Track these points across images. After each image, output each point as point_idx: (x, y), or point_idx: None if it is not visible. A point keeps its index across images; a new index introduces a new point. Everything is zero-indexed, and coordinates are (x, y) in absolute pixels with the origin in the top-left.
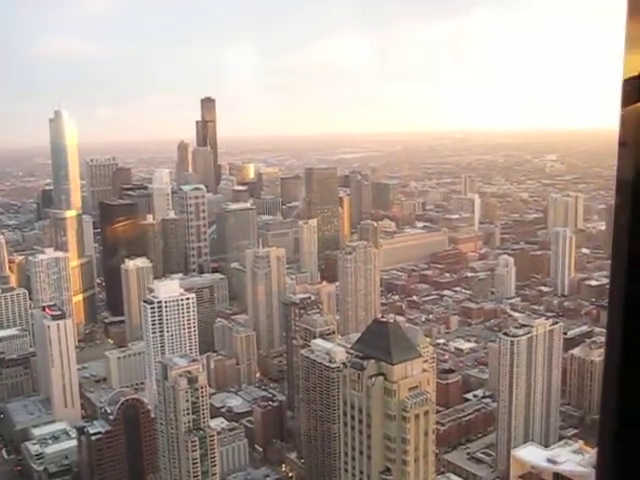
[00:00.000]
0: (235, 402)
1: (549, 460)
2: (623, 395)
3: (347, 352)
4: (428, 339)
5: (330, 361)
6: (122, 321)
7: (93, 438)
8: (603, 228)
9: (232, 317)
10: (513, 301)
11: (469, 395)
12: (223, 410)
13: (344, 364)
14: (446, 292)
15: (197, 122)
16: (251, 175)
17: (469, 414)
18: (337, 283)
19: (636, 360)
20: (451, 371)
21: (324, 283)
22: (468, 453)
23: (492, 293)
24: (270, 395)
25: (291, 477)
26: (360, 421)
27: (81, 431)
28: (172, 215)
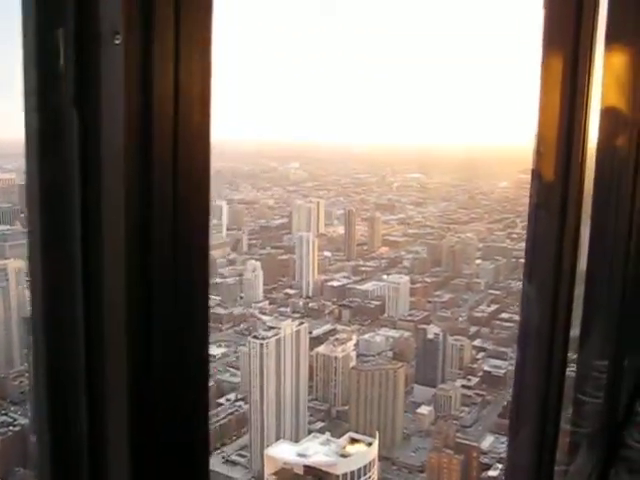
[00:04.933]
0: None
1: (299, 454)
2: None
3: None
4: None
5: None
6: None
7: None
8: (342, 232)
9: None
10: (261, 305)
11: (222, 400)
12: None
13: None
14: None
15: None
16: None
17: (222, 418)
18: None
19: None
20: None
21: None
22: (223, 457)
23: (241, 298)
24: (11, 420)
25: None
26: None
27: None
28: None
